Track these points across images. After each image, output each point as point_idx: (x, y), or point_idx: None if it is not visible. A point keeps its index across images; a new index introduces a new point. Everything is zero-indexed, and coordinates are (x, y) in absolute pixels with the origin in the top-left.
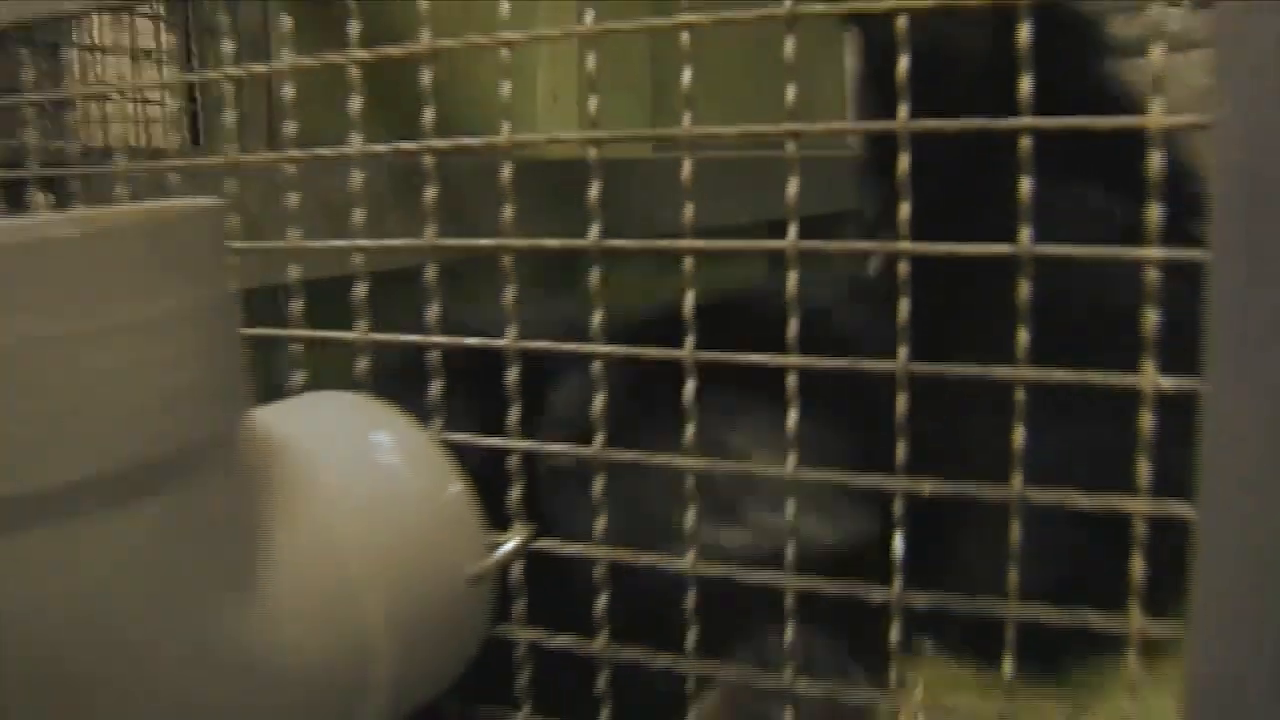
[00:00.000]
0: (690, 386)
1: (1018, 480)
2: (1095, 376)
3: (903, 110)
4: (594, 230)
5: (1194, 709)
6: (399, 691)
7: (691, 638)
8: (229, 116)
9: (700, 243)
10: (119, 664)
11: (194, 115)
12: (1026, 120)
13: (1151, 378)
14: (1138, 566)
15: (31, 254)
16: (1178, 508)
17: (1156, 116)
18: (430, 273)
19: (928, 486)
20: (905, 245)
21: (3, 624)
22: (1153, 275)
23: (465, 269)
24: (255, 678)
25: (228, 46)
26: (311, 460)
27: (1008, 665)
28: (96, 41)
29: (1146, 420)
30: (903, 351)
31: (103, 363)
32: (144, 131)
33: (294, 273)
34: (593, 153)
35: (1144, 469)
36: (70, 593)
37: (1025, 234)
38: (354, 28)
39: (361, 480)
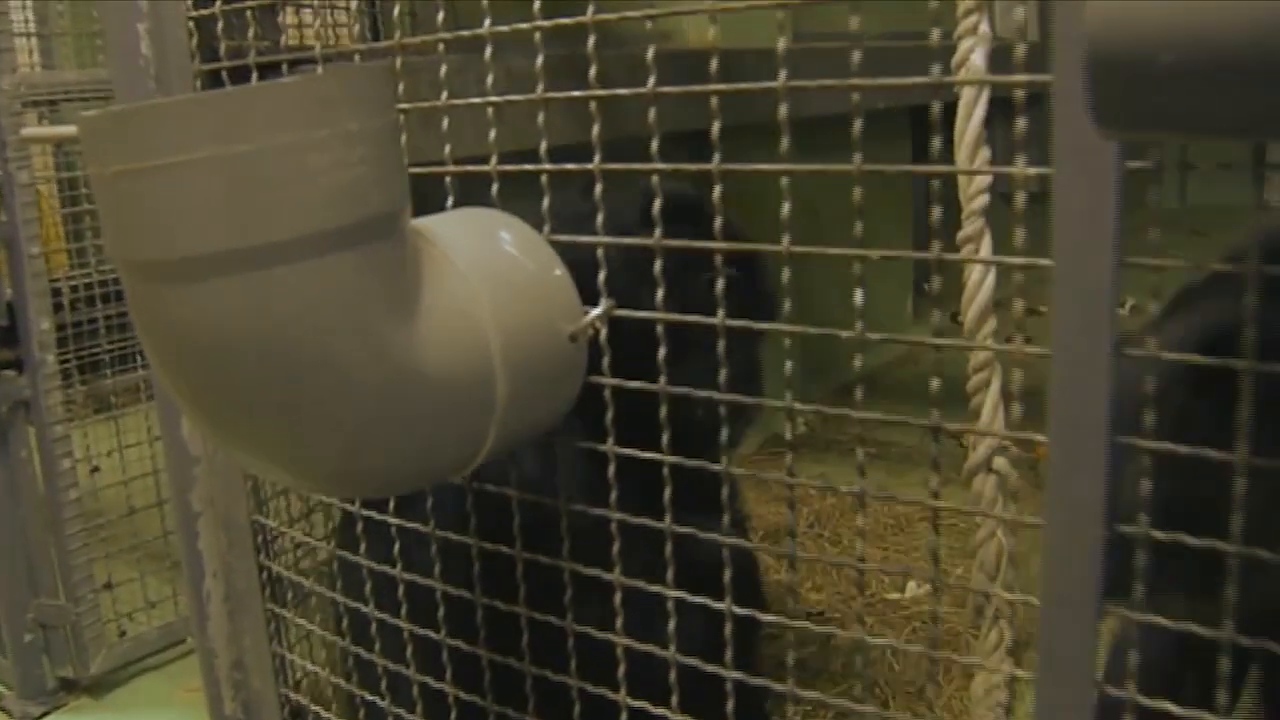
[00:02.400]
0: None
1: None
2: (994, 168)
3: None
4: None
5: None
6: (517, 412)
7: None
8: (395, 10)
9: None
10: (324, 367)
11: (374, 17)
12: None
13: (1022, 169)
14: None
15: (263, 93)
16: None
17: None
18: (540, 118)
19: None
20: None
21: (254, 334)
22: (1019, 94)
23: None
24: (414, 379)
25: None
26: (455, 244)
27: None
28: None
29: (1020, 200)
30: None
31: (316, 160)
32: (333, 33)
33: (445, 123)
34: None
35: (1018, 235)
36: (296, 312)
37: None
38: None
39: (488, 259)
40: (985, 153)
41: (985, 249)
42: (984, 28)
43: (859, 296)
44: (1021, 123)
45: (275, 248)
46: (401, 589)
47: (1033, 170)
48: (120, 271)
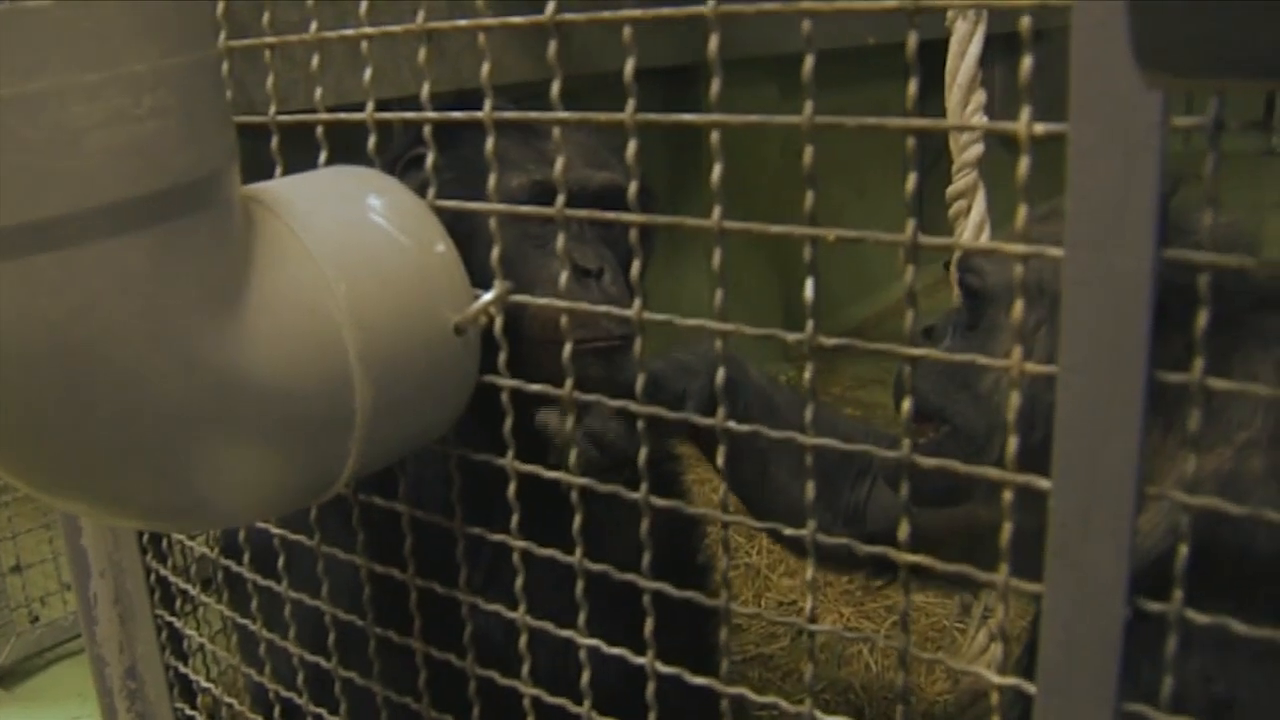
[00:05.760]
0: None
1: None
2: (979, 123)
3: None
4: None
5: None
6: (386, 424)
7: None
8: None
9: None
10: (113, 381)
11: None
12: None
13: (1027, 123)
14: None
15: (9, 20)
16: None
17: None
18: (422, 53)
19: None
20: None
21: (17, 341)
22: (1025, 22)
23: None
24: (238, 391)
25: None
26: (305, 216)
27: None
28: None
29: (1024, 163)
30: None
31: (86, 112)
32: None
33: (314, 63)
34: None
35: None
36: (70, 312)
37: None
38: None
39: (349, 235)
40: (980, 97)
41: (978, 206)
42: None
43: (809, 288)
44: (1028, 62)
45: (33, 230)
46: (288, 608)
47: (1041, 128)
48: None
